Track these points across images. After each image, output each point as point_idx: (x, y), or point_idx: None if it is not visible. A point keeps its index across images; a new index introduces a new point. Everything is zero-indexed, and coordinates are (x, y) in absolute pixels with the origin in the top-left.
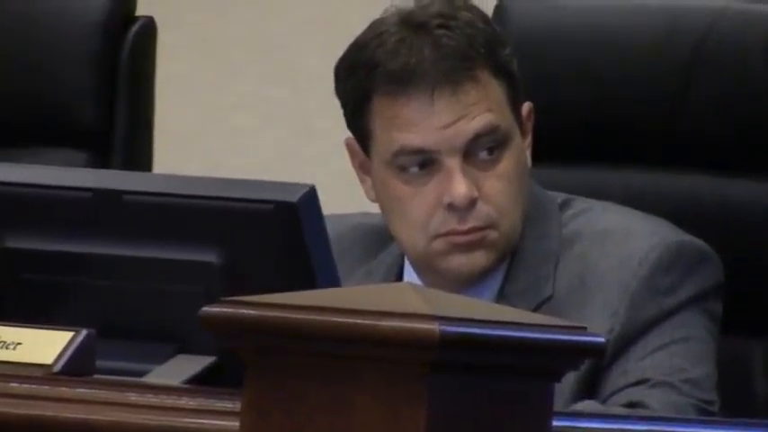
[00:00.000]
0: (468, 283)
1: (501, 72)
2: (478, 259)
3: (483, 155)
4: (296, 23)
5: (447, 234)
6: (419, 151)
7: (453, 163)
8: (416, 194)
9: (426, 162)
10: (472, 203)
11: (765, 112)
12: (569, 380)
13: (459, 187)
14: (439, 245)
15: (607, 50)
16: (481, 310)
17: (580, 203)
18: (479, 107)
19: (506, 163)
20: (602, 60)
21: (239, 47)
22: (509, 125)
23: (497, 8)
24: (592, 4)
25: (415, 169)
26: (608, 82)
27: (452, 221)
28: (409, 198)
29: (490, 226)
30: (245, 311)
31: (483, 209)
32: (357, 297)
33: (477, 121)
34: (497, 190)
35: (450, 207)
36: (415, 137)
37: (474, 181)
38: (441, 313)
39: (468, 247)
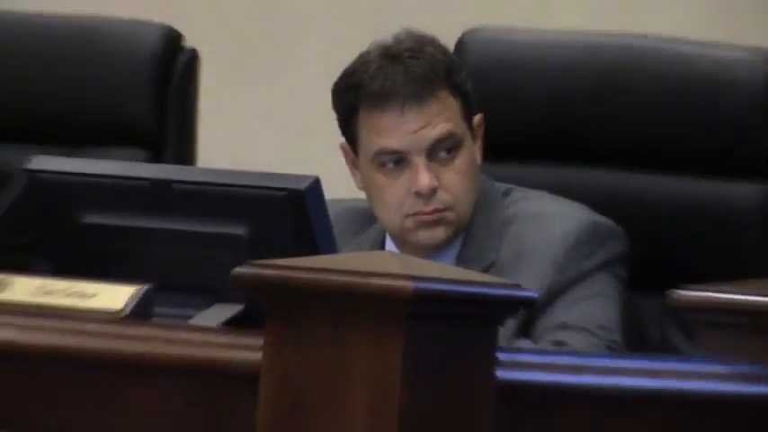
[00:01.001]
0: (432, 251)
1: (457, 91)
2: (439, 233)
3: (442, 154)
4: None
5: (415, 214)
6: (393, 152)
7: (419, 160)
8: (392, 185)
9: (399, 160)
10: (434, 191)
11: (668, 123)
12: (510, 325)
13: (424, 179)
14: (409, 223)
15: (545, 74)
16: (443, 272)
17: (518, 192)
18: (439, 118)
19: (460, 161)
20: (542, 82)
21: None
22: (462, 132)
23: (458, 42)
24: (529, 39)
25: (391, 165)
26: (548, 99)
27: (419, 205)
28: (387, 187)
29: (448, 208)
30: (266, 272)
31: (442, 195)
32: (350, 262)
33: (438, 129)
34: (454, 181)
35: (418, 194)
36: (390, 141)
37: (435, 174)
38: (413, 273)
39: (431, 225)
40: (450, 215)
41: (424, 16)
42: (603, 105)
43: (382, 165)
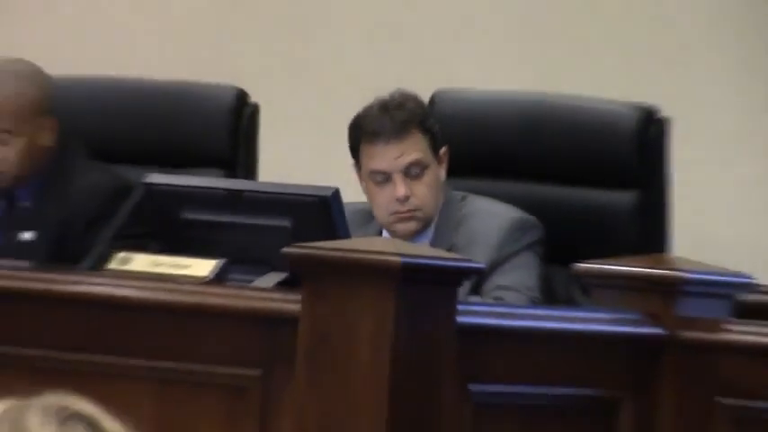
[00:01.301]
0: (411, 238)
1: (426, 132)
2: (411, 226)
3: (414, 173)
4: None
5: (395, 213)
6: (381, 172)
7: (398, 177)
8: (381, 193)
9: (385, 177)
10: (407, 198)
11: (567, 152)
12: (466, 287)
13: (401, 190)
14: (392, 218)
15: (490, 120)
16: (421, 251)
17: (471, 198)
18: (411, 150)
19: (426, 178)
20: (488, 125)
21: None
22: (429, 159)
23: (432, 97)
24: (478, 96)
25: (380, 180)
26: (492, 136)
27: (398, 206)
28: (378, 195)
29: (417, 209)
30: (303, 251)
31: (413, 200)
32: (359, 244)
33: (410, 157)
34: (421, 192)
35: (397, 199)
36: (379, 164)
37: (409, 187)
38: (401, 252)
39: (406, 220)
40: (419, 214)
41: (411, 79)
42: (529, 140)
43: (374, 180)
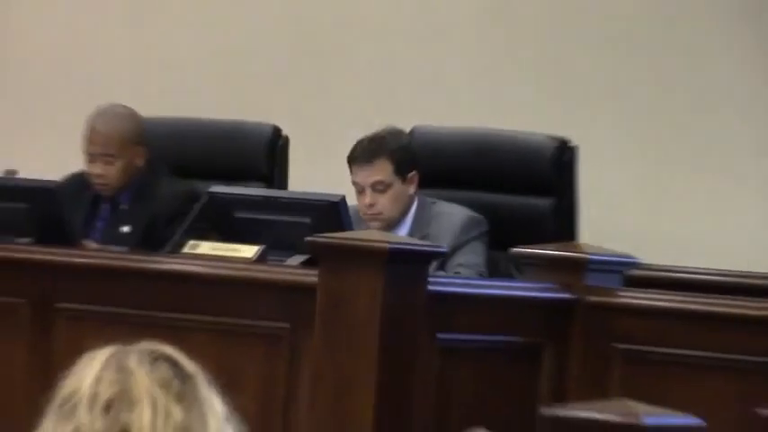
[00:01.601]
0: (393, 230)
1: (392, 160)
2: (375, 225)
3: (379, 189)
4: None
5: (365, 214)
6: (358, 184)
7: (367, 190)
8: (359, 199)
9: (360, 188)
10: (372, 206)
11: (504, 168)
12: (434, 265)
13: (366, 200)
14: (365, 217)
15: (453, 147)
16: (402, 240)
17: (438, 202)
18: (377, 172)
19: (389, 193)
20: (450, 151)
21: None
22: (392, 180)
23: (411, 130)
24: (445, 131)
25: (358, 189)
26: (459, 159)
27: (366, 210)
28: (358, 200)
29: (379, 214)
30: (319, 240)
31: (377, 207)
32: (358, 235)
33: (375, 178)
34: (383, 203)
35: (367, 206)
36: (356, 179)
37: (375, 198)
38: (388, 240)
39: (371, 220)
40: (380, 217)
41: (399, 116)
42: (479, 162)
43: (356, 189)
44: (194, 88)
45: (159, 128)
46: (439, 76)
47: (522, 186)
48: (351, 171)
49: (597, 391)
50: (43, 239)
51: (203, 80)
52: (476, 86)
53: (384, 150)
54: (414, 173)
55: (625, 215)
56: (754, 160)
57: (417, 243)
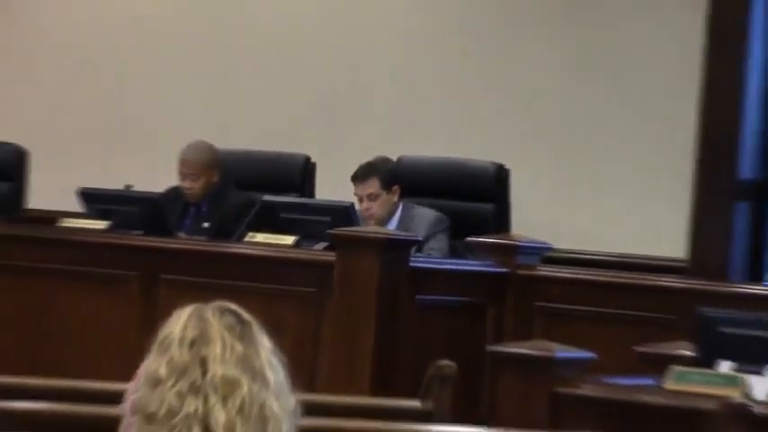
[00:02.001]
0: (385, 225)
1: (379, 177)
2: (369, 223)
3: (372, 198)
4: None
5: (364, 216)
6: (357, 195)
7: (365, 199)
8: (360, 206)
9: (360, 198)
10: (368, 209)
11: (453, 181)
12: (413, 250)
13: (365, 205)
14: (364, 218)
15: (429, 171)
16: (393, 233)
17: (417, 207)
18: (368, 187)
19: (378, 202)
20: (427, 171)
21: None
22: (380, 192)
23: (399, 158)
24: (422, 160)
25: (360, 198)
26: (430, 177)
27: (363, 213)
28: (360, 206)
29: (371, 216)
30: (337, 232)
31: (369, 211)
32: (364, 229)
33: (367, 191)
34: (373, 208)
35: (364, 210)
36: (356, 191)
37: (369, 204)
38: (384, 233)
39: (367, 220)
40: (373, 217)
41: (391, 147)
42: (444, 179)
43: (358, 199)
44: (256, 126)
45: (232, 156)
46: (420, 121)
47: (473, 196)
48: (354, 186)
49: (524, 335)
50: (150, 232)
51: (262, 121)
52: (444, 128)
53: (373, 172)
54: (396, 187)
55: (543, 215)
56: (636, 174)
57: (402, 234)
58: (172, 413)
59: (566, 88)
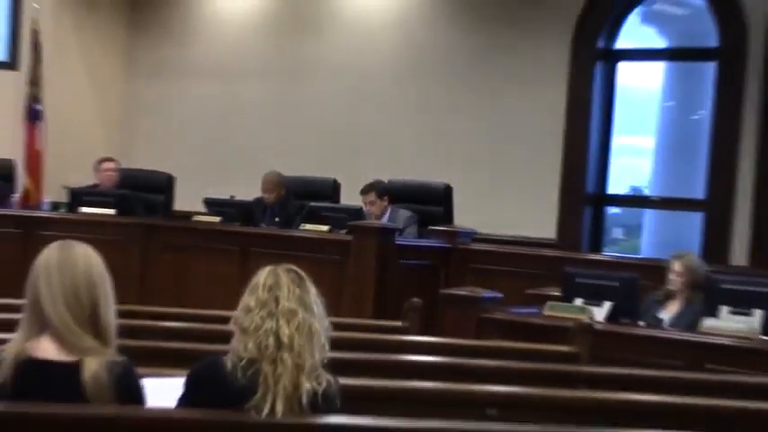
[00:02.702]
0: (380, 220)
1: (378, 192)
2: (371, 218)
3: (371, 203)
4: None
5: (367, 213)
6: (363, 202)
7: (368, 204)
8: (365, 208)
9: (365, 204)
10: (370, 210)
11: (427, 197)
12: (397, 234)
13: (366, 208)
14: (367, 215)
15: (403, 188)
16: (385, 224)
17: (401, 210)
18: (370, 196)
19: (376, 205)
20: (406, 190)
21: None
22: (376, 200)
23: (388, 181)
24: (401, 181)
25: (365, 204)
26: (406, 192)
27: (367, 214)
28: (364, 209)
29: (371, 215)
30: (353, 224)
31: (371, 212)
32: (367, 223)
33: (369, 200)
34: (374, 209)
35: (367, 211)
36: (363, 200)
37: (370, 207)
38: (380, 224)
39: (369, 217)
40: (372, 216)
41: (384, 173)
42: (414, 193)
43: (364, 204)
44: (308, 158)
45: (292, 179)
46: (400, 158)
47: (432, 202)
48: (361, 196)
49: (461, 284)
50: (244, 224)
51: (310, 156)
52: (414, 163)
53: (372, 188)
54: (386, 197)
55: (471, 213)
56: (525, 187)
57: (390, 225)
58: (257, 328)
59: (484, 143)
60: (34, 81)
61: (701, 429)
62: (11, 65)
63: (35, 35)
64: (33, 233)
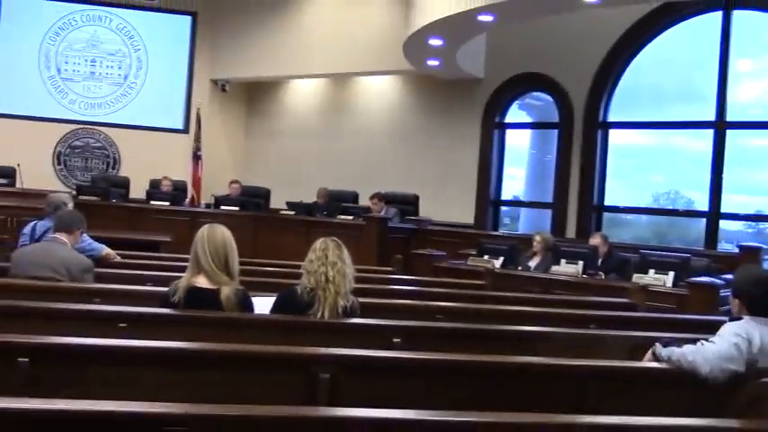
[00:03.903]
0: (379, 214)
1: (379, 197)
2: (375, 213)
3: (375, 204)
4: None
5: (373, 211)
6: (371, 202)
7: (375, 206)
8: (372, 207)
9: (373, 204)
10: (374, 208)
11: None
12: (388, 222)
13: (372, 207)
14: (374, 212)
15: (398, 197)
16: (382, 216)
17: (391, 207)
18: (375, 201)
19: (378, 206)
20: (397, 197)
21: None
22: (378, 202)
23: (385, 192)
24: (390, 193)
25: (372, 205)
26: (396, 201)
27: (372, 210)
28: (372, 209)
29: (376, 211)
30: (367, 215)
31: (375, 210)
32: (374, 215)
33: (374, 201)
34: (377, 208)
35: (372, 209)
36: (371, 203)
37: (374, 207)
38: (379, 216)
39: (374, 213)
40: (376, 212)
41: (383, 186)
42: (397, 199)
43: (371, 205)
44: (344, 175)
45: (333, 191)
46: (389, 178)
47: (407, 203)
48: (370, 201)
49: (424, 247)
50: (307, 215)
51: (344, 174)
52: (399, 180)
53: (376, 195)
54: (383, 200)
55: (428, 209)
56: (458, 192)
57: (385, 216)
58: (315, 271)
59: (435, 171)
60: (196, 138)
61: (555, 326)
62: (184, 130)
63: (198, 113)
64: (197, 219)
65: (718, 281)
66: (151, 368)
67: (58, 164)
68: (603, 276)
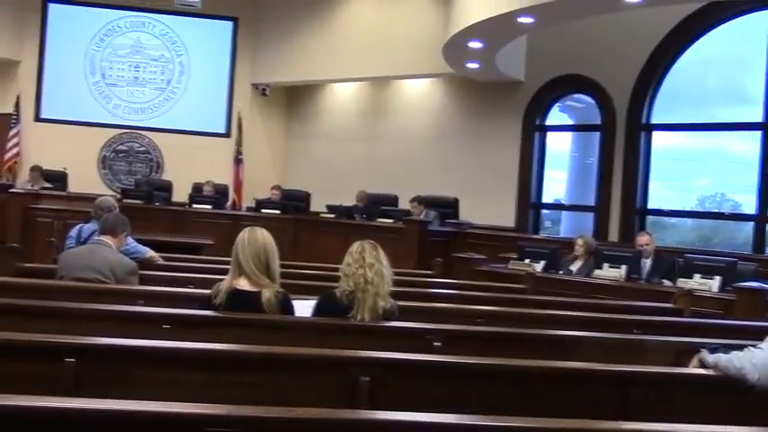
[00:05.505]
0: (419, 217)
1: (419, 201)
2: (415, 216)
3: (416, 208)
4: None
5: (413, 214)
6: (411, 206)
7: (413, 209)
8: (413, 211)
9: (413, 208)
10: (414, 212)
11: None
12: (428, 225)
13: (413, 211)
14: (414, 216)
15: (438, 200)
16: (422, 220)
17: (430, 210)
18: (415, 204)
19: (418, 209)
20: (435, 201)
21: None
22: (418, 206)
23: (424, 196)
24: (426, 196)
25: (413, 208)
26: (436, 202)
27: (413, 213)
28: (413, 213)
29: (416, 215)
30: (407, 218)
31: (415, 213)
32: (414, 218)
33: (415, 205)
34: (417, 212)
35: (413, 212)
36: (411, 206)
37: (415, 210)
38: (419, 219)
39: (414, 216)
40: (415, 215)
41: (422, 190)
42: (437, 203)
43: (412, 209)
44: (382, 178)
45: (372, 195)
46: (429, 181)
47: (446, 206)
48: (410, 205)
49: (463, 250)
50: (347, 218)
51: (382, 179)
52: (437, 184)
53: (416, 199)
54: (423, 204)
55: (469, 212)
56: (499, 197)
57: (425, 220)
58: (353, 273)
59: (476, 174)
60: (238, 143)
61: (597, 331)
62: (226, 134)
63: (239, 117)
64: (238, 222)
65: (766, 286)
66: (193, 369)
67: (103, 168)
68: (653, 280)
